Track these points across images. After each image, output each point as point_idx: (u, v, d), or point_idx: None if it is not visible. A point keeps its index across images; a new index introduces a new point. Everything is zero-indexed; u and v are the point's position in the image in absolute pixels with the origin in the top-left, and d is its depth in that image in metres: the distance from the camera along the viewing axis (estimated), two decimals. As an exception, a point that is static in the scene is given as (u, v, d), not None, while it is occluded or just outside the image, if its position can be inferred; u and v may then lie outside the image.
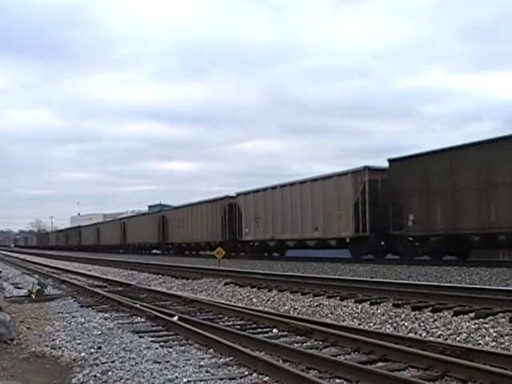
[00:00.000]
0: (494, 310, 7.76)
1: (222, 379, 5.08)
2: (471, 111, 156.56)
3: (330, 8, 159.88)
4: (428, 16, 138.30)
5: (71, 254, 45.16)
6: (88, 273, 21.54)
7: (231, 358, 5.79)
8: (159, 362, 5.75)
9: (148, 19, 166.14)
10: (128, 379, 5.18)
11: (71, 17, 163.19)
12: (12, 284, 17.20)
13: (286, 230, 25.54)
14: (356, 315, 8.86)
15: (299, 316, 8.98)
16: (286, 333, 7.34)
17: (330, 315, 9.18)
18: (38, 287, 13.03)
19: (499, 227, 16.07)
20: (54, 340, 7.35)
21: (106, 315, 9.46)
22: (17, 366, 6.10)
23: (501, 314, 7.48)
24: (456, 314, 7.82)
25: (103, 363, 5.83)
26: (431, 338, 6.70)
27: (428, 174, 18.25)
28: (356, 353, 6.06)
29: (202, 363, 5.70)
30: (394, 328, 7.77)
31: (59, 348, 6.82)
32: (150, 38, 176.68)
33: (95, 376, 5.33)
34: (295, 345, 6.47)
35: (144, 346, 6.64)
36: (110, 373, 5.41)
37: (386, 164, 20.39)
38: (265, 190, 27.95)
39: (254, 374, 5.22)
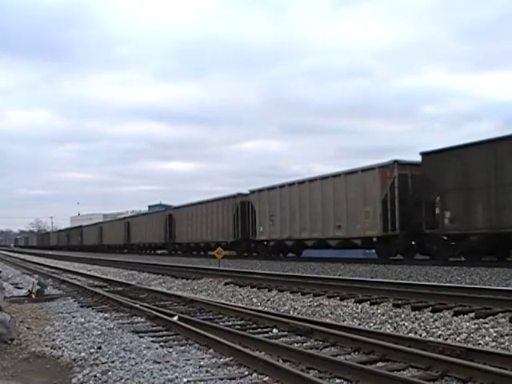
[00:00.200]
0: (494, 309, 7.76)
1: (221, 379, 5.08)
2: (471, 111, 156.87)
3: (330, 8, 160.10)
4: (428, 16, 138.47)
5: (71, 254, 45.14)
6: (88, 273, 21.54)
7: (231, 358, 5.79)
8: (159, 362, 5.75)
9: (148, 19, 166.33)
10: (128, 379, 5.18)
11: (71, 17, 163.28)
12: (12, 284, 17.20)
13: (305, 228, 24.16)
14: (356, 315, 8.86)
15: (299, 316, 8.98)
16: (286, 333, 7.34)
17: (330, 315, 9.17)
18: (38, 287, 13.02)
19: None
20: (53, 340, 7.35)
21: (106, 315, 9.45)
22: (17, 366, 6.10)
23: (501, 314, 7.48)
24: (456, 313, 7.82)
25: (103, 363, 5.83)
26: (431, 338, 6.70)
27: (468, 167, 16.87)
28: (356, 353, 6.06)
29: (201, 363, 5.70)
30: (394, 328, 7.77)
31: (59, 348, 6.81)
32: (149, 38, 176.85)
33: (95, 376, 5.33)
34: (295, 345, 6.47)
35: (144, 345, 6.64)
36: (110, 373, 5.41)
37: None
38: (281, 186, 26.50)
39: (254, 374, 5.21)
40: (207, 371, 5.39)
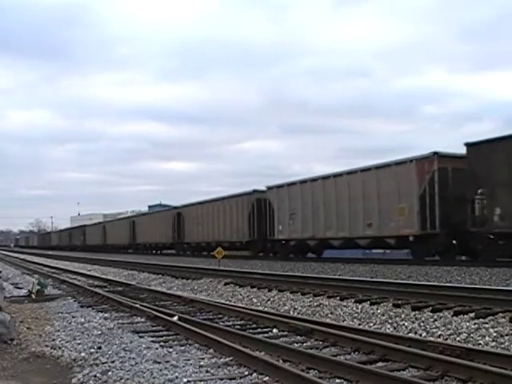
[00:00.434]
0: (494, 309, 7.76)
1: (222, 379, 5.08)
2: (471, 111, 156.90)
3: (330, 8, 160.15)
4: (428, 16, 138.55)
5: (72, 254, 45.12)
6: (88, 273, 21.54)
7: (231, 358, 5.79)
8: (159, 362, 5.75)
9: (148, 19, 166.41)
10: (128, 379, 5.18)
11: (71, 17, 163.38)
12: (12, 284, 17.20)
13: (331, 227, 22.50)
14: (356, 315, 8.86)
15: (299, 316, 8.98)
16: (286, 333, 7.34)
17: (330, 315, 9.17)
18: (38, 287, 13.02)
19: None
20: (54, 340, 7.35)
21: (106, 315, 9.45)
22: (17, 366, 6.10)
23: (501, 314, 7.47)
24: (456, 313, 7.82)
25: (103, 363, 5.83)
26: (431, 338, 6.69)
27: None
28: (356, 353, 6.06)
29: (201, 363, 5.70)
30: (394, 328, 7.77)
31: (59, 348, 6.82)
32: (149, 38, 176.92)
33: (95, 376, 5.33)
34: (295, 345, 6.47)
35: (144, 345, 6.64)
36: (110, 373, 5.41)
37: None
38: (303, 182, 24.75)
39: (254, 374, 5.22)
40: (207, 371, 5.39)
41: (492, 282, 12.10)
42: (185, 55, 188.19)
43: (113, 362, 5.87)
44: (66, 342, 7.11)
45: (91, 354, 6.32)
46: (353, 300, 9.80)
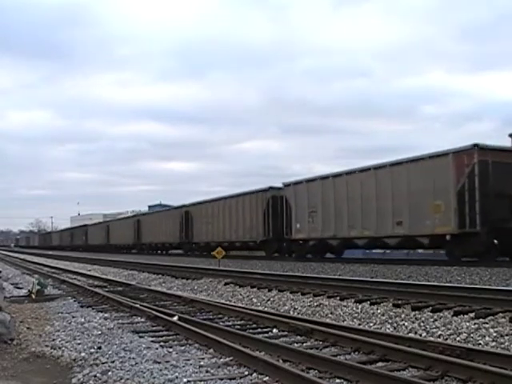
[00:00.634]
0: (494, 309, 7.75)
1: (222, 379, 5.08)
2: (471, 111, 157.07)
3: (330, 8, 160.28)
4: (428, 16, 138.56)
5: (72, 254, 45.11)
6: (88, 273, 21.53)
7: (231, 358, 5.79)
8: (159, 362, 5.75)
9: (148, 19, 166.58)
10: (128, 379, 5.18)
11: (71, 16, 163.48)
12: (12, 284, 17.19)
13: (355, 225, 21.15)
14: (356, 315, 8.86)
15: (299, 316, 8.98)
16: (286, 333, 7.34)
17: (330, 315, 9.17)
18: (38, 287, 13.02)
19: None
20: (54, 340, 7.34)
21: (106, 315, 9.45)
22: (17, 366, 6.10)
23: (501, 314, 7.47)
24: (456, 313, 7.82)
25: (103, 363, 5.83)
26: (431, 338, 6.69)
27: None
28: (356, 353, 6.05)
29: (201, 363, 5.70)
30: (394, 328, 7.77)
31: (59, 348, 6.81)
32: (149, 37, 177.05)
33: (95, 376, 5.32)
34: (295, 345, 6.47)
35: (144, 345, 6.64)
36: (110, 373, 5.40)
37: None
38: (324, 178, 23.30)
39: (254, 374, 5.21)
40: (207, 371, 5.39)
41: (492, 281, 12.10)
42: (185, 55, 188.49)
43: (113, 361, 5.87)
44: (66, 342, 7.11)
45: (91, 353, 6.32)
46: (353, 300, 9.80)
